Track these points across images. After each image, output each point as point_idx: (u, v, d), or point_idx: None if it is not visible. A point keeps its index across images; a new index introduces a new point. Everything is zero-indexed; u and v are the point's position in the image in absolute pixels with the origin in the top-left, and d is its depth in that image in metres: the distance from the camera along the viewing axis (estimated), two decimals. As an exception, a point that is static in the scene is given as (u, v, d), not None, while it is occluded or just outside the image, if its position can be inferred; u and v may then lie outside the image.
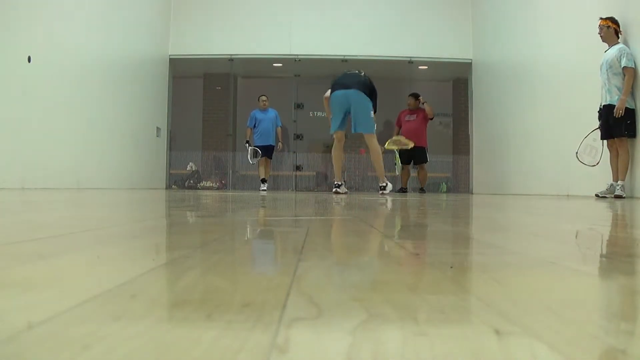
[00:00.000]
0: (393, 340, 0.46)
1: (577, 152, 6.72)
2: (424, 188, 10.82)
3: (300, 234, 1.46)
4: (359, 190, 12.85)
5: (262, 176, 10.89)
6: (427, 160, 10.71)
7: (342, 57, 12.43)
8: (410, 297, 0.63)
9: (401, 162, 10.54)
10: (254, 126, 10.82)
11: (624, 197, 6.04)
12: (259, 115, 10.81)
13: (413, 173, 11.14)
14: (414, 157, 10.52)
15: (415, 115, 10.45)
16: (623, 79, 6.16)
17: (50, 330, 0.47)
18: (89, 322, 0.50)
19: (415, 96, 10.51)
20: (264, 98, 10.81)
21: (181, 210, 3.03)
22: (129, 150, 9.92)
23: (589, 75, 6.81)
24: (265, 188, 10.74)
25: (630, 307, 0.63)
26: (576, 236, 1.63)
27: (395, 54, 12.35)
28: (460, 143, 13.72)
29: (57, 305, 0.56)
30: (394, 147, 9.67)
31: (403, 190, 10.63)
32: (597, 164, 6.55)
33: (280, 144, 10.93)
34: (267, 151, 10.80)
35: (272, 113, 10.78)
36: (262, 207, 3.51)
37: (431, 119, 10.63)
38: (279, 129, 10.87)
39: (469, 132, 12.77)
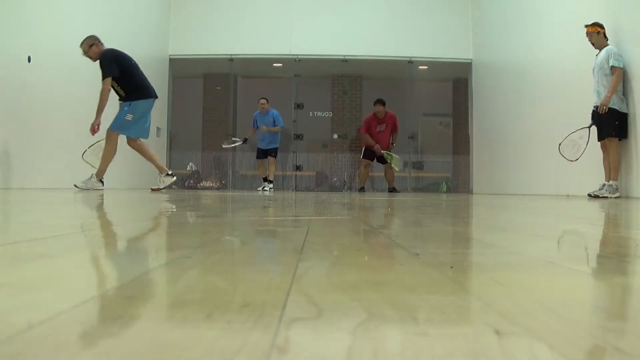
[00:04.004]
0: (393, 340, 0.46)
1: (560, 144, 6.79)
2: (395, 187, 10.76)
3: (300, 234, 1.46)
4: (354, 190, 12.83)
5: (264, 175, 10.95)
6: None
7: (342, 57, 12.43)
8: (410, 297, 0.63)
9: (366, 158, 10.49)
10: (257, 127, 10.87)
11: (609, 197, 6.09)
12: (260, 118, 10.82)
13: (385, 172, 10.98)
14: (382, 157, 10.47)
15: (385, 124, 10.39)
16: None
17: (50, 330, 0.47)
18: (88, 322, 0.50)
19: (383, 103, 10.38)
20: (262, 101, 10.76)
21: (181, 210, 3.03)
22: (129, 150, 9.90)
23: (589, 75, 6.82)
24: (267, 188, 10.69)
25: (630, 307, 0.63)
26: (575, 236, 1.63)
27: (395, 54, 12.35)
28: (460, 143, 13.71)
29: (57, 305, 0.56)
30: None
31: (362, 190, 10.57)
32: (576, 160, 6.64)
33: (264, 128, 10.61)
34: (265, 153, 10.84)
35: (271, 116, 10.72)
36: (262, 207, 3.51)
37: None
38: (276, 128, 10.78)
39: (469, 132, 12.77)
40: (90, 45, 6.58)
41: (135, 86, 6.77)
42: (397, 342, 0.45)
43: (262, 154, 10.88)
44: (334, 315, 0.54)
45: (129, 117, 6.73)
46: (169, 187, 7.20)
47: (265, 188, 10.71)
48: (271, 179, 10.88)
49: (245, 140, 11.04)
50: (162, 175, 7.16)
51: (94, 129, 6.61)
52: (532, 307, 0.59)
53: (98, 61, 6.61)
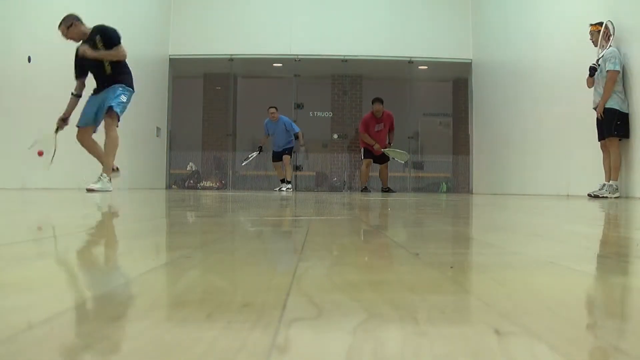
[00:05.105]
0: (393, 340, 0.46)
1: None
2: (390, 187, 10.75)
3: (301, 234, 1.46)
4: (354, 190, 12.83)
5: (281, 177, 11.12)
6: (389, 159, 10.73)
7: (342, 57, 12.44)
8: (410, 297, 0.63)
9: (367, 157, 10.49)
10: (269, 134, 11.03)
11: (609, 197, 6.09)
12: (271, 126, 10.96)
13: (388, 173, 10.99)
14: (379, 158, 10.48)
15: (383, 124, 10.38)
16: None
17: (50, 330, 0.47)
18: (88, 322, 0.50)
19: (381, 101, 10.36)
20: (272, 110, 10.86)
21: (181, 210, 3.03)
22: (129, 150, 9.90)
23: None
24: (284, 188, 10.81)
25: (629, 307, 0.63)
26: (575, 236, 1.63)
27: (395, 54, 12.36)
28: (460, 143, 13.72)
29: (57, 305, 0.56)
30: None
31: (366, 189, 10.58)
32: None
33: (302, 147, 11.16)
34: (280, 155, 10.98)
35: (281, 124, 10.86)
36: (262, 207, 3.51)
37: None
38: (300, 133, 10.97)
39: (469, 132, 12.77)
40: (69, 26, 5.89)
41: (124, 68, 6.06)
42: (397, 342, 0.45)
43: (278, 156, 11.03)
44: (334, 315, 0.54)
45: (124, 98, 5.99)
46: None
47: (282, 189, 10.84)
48: (289, 179, 11.05)
49: (260, 149, 11.12)
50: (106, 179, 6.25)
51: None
52: (532, 307, 0.59)
53: (98, 37, 5.83)
